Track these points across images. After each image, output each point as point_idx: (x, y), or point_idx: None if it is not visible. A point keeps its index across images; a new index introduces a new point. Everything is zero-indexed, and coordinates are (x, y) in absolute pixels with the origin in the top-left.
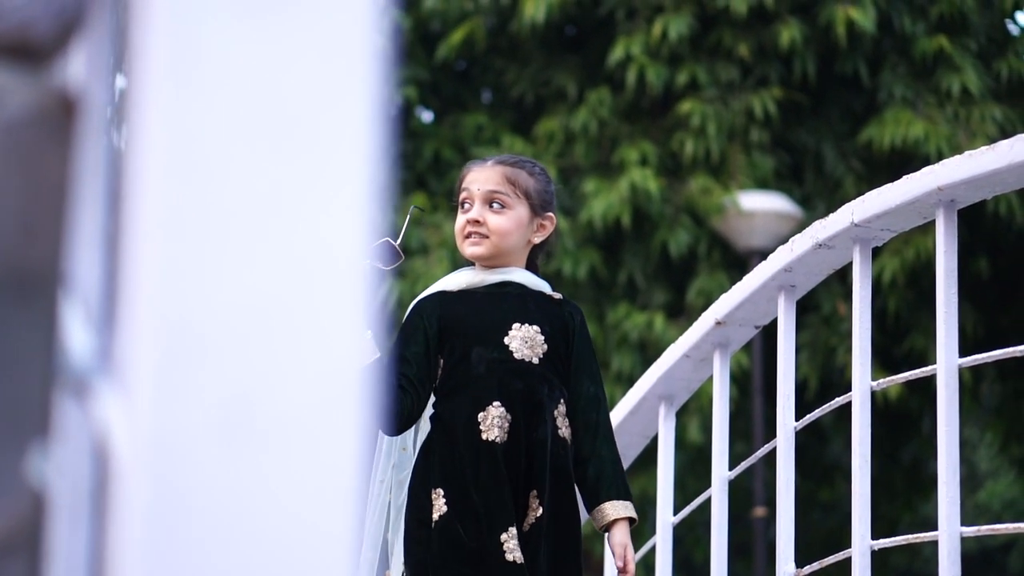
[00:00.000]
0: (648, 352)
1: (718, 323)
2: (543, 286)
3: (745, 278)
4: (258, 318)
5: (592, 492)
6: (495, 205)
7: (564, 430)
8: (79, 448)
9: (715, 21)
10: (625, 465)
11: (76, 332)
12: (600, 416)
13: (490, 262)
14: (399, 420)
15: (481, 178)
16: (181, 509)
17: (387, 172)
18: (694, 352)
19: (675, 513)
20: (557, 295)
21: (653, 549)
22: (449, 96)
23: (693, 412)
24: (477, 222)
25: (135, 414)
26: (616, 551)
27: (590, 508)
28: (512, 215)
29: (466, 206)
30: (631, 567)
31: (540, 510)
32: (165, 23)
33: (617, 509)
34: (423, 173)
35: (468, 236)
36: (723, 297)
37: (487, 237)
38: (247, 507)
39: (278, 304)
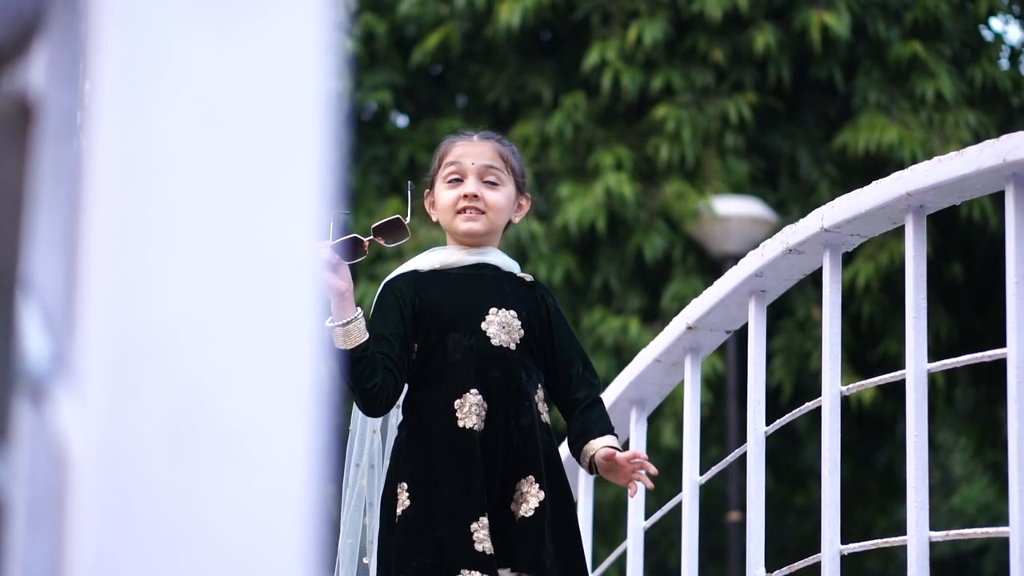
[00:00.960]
0: (623, 356)
1: (689, 328)
2: (514, 267)
3: (716, 283)
4: (213, 322)
5: (576, 446)
6: (489, 180)
7: (545, 415)
8: (37, 453)
9: (690, 26)
10: None
11: (34, 337)
12: (592, 392)
13: (479, 240)
14: (380, 401)
15: (474, 152)
16: (136, 513)
17: (346, 175)
18: (665, 357)
19: (647, 517)
20: (528, 277)
21: (625, 553)
22: (424, 101)
23: (668, 416)
24: (475, 196)
25: (90, 418)
26: (605, 452)
27: (579, 457)
28: (505, 192)
29: (454, 180)
30: (620, 453)
31: (542, 494)
32: (118, 28)
33: (594, 445)
34: (398, 177)
35: (462, 211)
36: (694, 302)
37: (484, 213)
38: (202, 511)
39: (232, 308)
